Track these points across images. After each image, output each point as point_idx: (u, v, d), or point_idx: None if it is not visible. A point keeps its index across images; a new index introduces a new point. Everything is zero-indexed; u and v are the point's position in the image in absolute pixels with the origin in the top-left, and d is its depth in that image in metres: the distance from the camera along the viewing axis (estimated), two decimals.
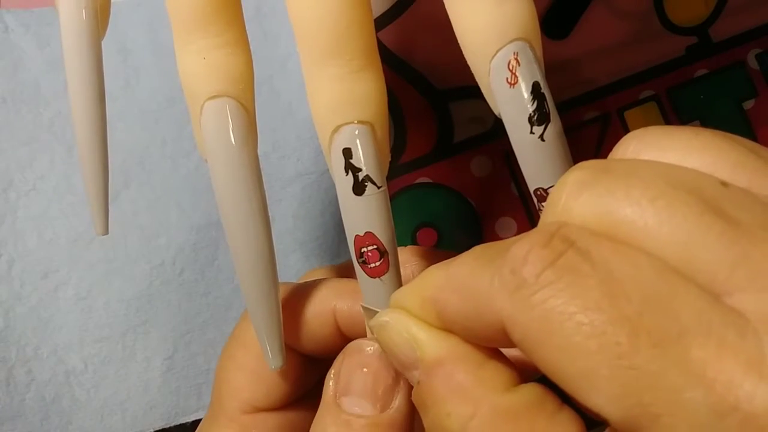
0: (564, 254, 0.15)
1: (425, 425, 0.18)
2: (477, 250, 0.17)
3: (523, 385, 0.17)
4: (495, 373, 0.17)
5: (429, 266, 0.24)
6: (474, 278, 0.16)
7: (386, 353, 0.19)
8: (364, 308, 0.21)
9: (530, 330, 0.15)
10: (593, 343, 0.14)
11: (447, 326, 0.17)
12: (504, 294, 0.15)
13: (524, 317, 0.15)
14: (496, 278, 0.15)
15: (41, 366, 0.32)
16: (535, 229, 0.16)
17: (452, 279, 0.17)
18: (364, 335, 0.23)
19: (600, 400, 0.14)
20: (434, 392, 0.17)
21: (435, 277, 0.18)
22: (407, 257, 0.26)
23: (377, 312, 0.19)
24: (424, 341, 0.18)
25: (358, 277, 0.21)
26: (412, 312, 0.18)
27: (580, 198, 0.16)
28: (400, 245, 0.21)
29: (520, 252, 0.15)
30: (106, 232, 0.23)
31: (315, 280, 0.24)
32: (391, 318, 0.18)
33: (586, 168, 0.16)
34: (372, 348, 0.22)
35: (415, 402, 0.18)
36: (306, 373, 0.24)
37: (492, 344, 0.17)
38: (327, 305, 0.23)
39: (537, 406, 0.16)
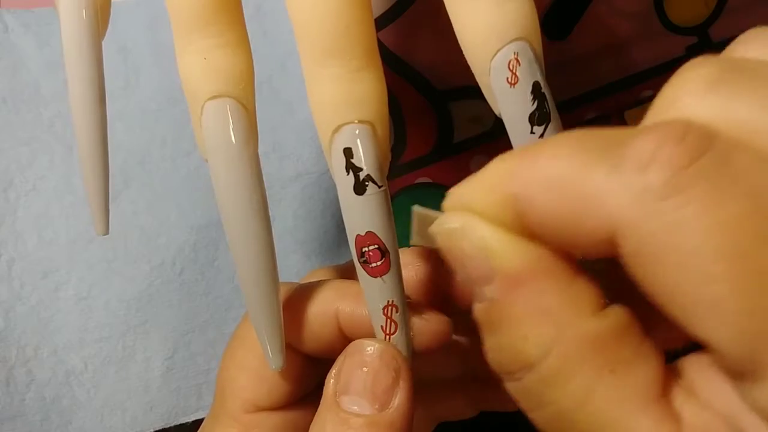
0: (703, 156, 0.12)
1: (489, 346, 0.16)
2: (572, 138, 0.14)
3: (610, 309, 0.14)
4: (583, 294, 0.14)
5: (435, 263, 0.23)
6: (578, 173, 0.14)
7: (452, 264, 0.16)
8: (417, 212, 0.18)
9: (651, 241, 0.13)
10: (731, 268, 0.12)
11: (529, 231, 0.15)
12: (625, 196, 0.13)
13: (647, 226, 0.13)
14: (614, 176, 0.13)
15: (41, 366, 0.32)
16: (660, 122, 0.13)
17: (543, 173, 0.14)
18: (366, 336, 0.23)
19: (723, 333, 0.12)
20: (511, 311, 0.15)
21: (516, 169, 0.15)
22: (410, 259, 0.26)
23: (436, 216, 0.17)
24: (502, 251, 0.15)
25: (359, 277, 0.21)
26: (485, 214, 0.15)
27: (705, 98, 0.13)
28: (400, 246, 0.21)
29: (648, 146, 0.13)
30: (106, 232, 0.23)
31: (318, 281, 0.24)
32: (462, 223, 0.16)
33: (712, 64, 0.14)
34: (372, 348, 0.21)
35: (480, 320, 0.16)
36: (308, 373, 0.24)
37: (586, 255, 0.15)
38: (330, 307, 0.23)
39: (624, 335, 0.14)
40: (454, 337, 0.25)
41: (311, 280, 0.25)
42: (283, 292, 0.23)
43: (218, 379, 0.25)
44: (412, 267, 0.25)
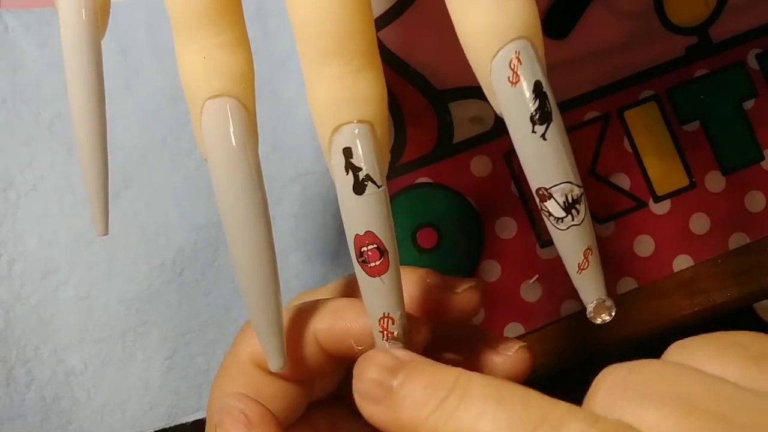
0: None
1: None
2: (510, 411, 0.17)
3: None
4: None
5: (425, 286, 0.25)
6: None
7: None
8: None
9: None
10: None
11: None
12: None
13: None
14: None
15: (41, 366, 0.32)
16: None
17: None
18: (346, 352, 0.23)
19: None
20: None
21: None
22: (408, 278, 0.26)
23: None
24: None
25: (357, 277, 0.21)
26: None
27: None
28: (399, 245, 0.21)
29: None
30: (106, 232, 0.23)
31: (293, 307, 0.24)
32: None
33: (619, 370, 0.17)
34: (224, 404, 0.23)
35: None
36: (297, 399, 0.25)
37: None
38: (307, 330, 0.23)
39: None
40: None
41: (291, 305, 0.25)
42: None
43: (208, 409, 0.25)
44: (409, 288, 0.25)
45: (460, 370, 0.19)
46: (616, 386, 0.17)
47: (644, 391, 0.16)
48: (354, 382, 0.20)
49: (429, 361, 0.20)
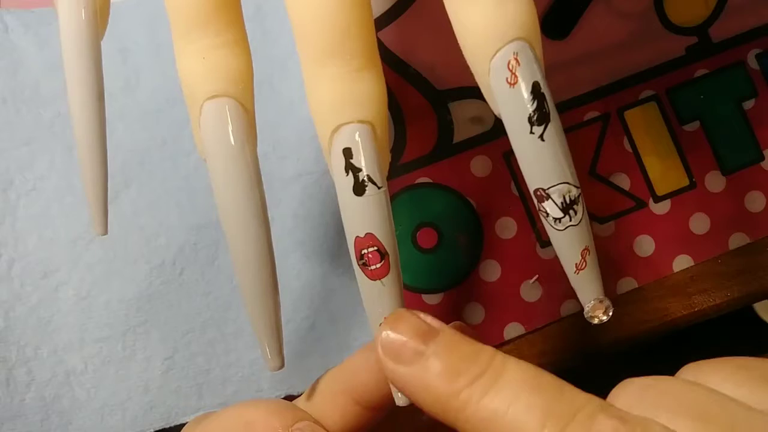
0: None
1: None
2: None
3: None
4: None
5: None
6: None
7: None
8: None
9: None
10: None
11: None
12: None
13: None
14: None
15: (41, 366, 0.32)
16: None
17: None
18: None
19: None
20: None
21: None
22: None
23: None
24: None
25: (358, 281, 0.21)
26: None
27: None
28: (399, 246, 0.21)
29: None
30: (105, 232, 0.23)
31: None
32: None
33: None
34: None
35: None
36: None
37: None
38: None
39: None
40: None
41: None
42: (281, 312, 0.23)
43: None
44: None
45: (494, 350, 0.19)
46: (632, 398, 0.17)
47: (660, 403, 0.16)
48: (378, 337, 0.20)
49: (461, 334, 0.19)
